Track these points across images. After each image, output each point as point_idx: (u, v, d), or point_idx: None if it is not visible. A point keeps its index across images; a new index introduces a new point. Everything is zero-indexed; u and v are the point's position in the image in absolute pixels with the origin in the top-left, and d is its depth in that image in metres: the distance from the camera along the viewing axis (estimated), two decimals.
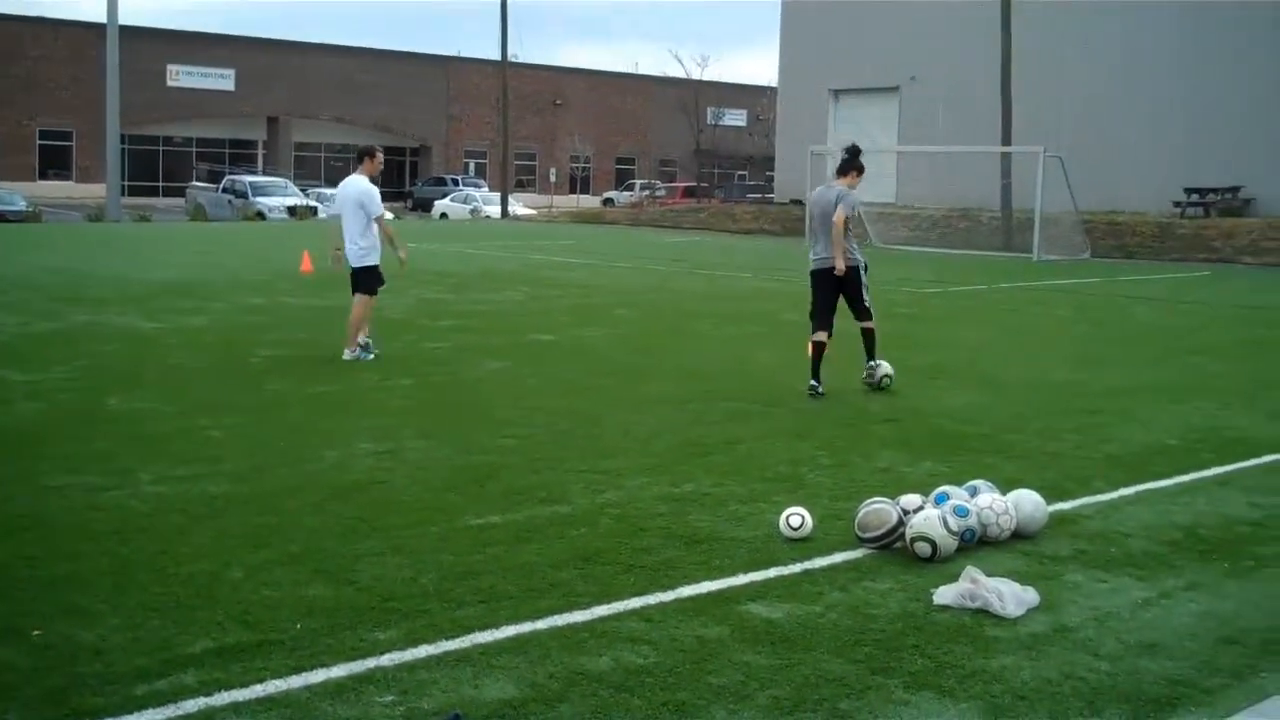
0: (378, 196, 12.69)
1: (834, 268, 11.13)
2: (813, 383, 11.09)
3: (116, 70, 45.67)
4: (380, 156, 13.01)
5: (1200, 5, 39.07)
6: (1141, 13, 40.42)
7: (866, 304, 11.40)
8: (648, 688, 4.80)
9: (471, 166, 77.53)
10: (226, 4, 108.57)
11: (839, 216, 11.00)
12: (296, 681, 4.78)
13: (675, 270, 25.88)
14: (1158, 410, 10.82)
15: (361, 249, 12.63)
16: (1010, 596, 5.69)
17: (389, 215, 12.43)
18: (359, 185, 12.63)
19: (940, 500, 6.85)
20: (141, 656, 4.97)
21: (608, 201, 70.15)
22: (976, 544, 6.64)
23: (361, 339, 12.68)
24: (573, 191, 76.51)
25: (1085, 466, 8.63)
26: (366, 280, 12.70)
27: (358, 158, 12.95)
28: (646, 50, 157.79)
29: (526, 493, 7.58)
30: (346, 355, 12.60)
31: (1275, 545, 6.88)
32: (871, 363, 11.50)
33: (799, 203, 43.23)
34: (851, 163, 11.35)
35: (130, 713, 4.49)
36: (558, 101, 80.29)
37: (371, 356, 12.62)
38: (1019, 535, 6.82)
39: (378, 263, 12.78)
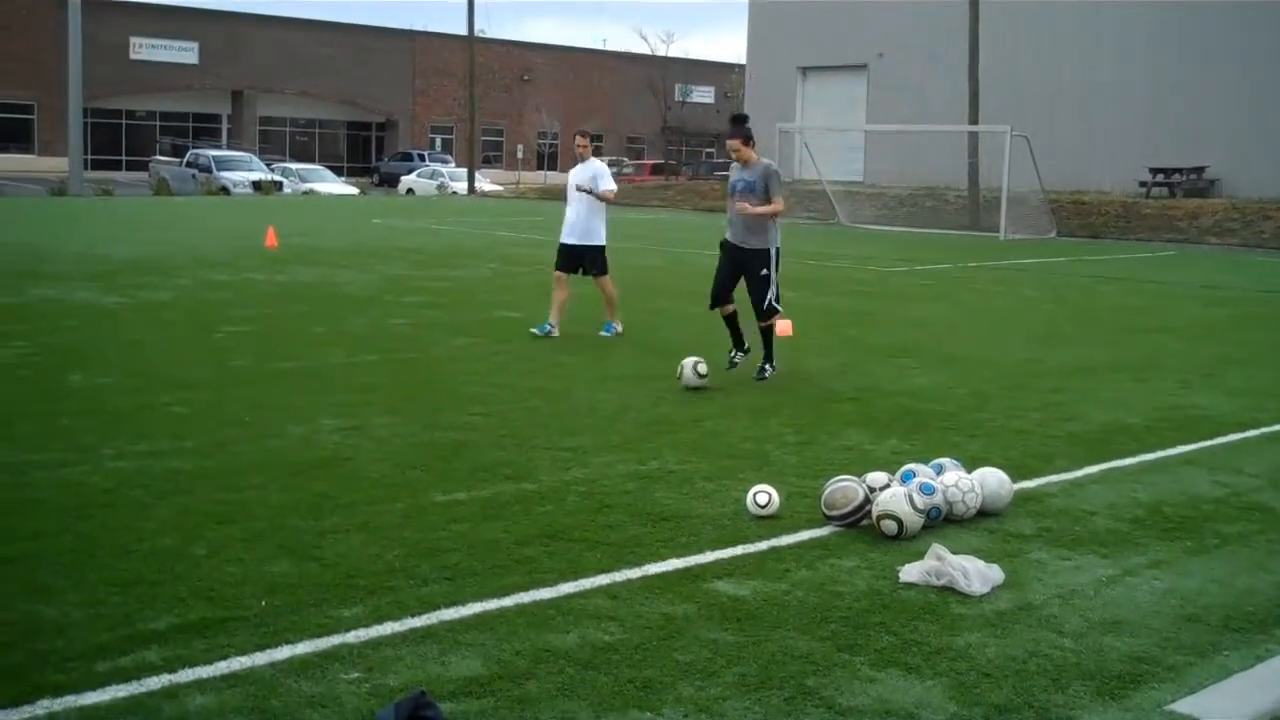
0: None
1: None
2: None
3: (79, 42, 45.17)
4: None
5: None
6: None
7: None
8: (614, 665, 4.79)
9: (438, 142, 77.11)
10: None
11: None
12: (261, 658, 4.74)
13: (640, 248, 25.81)
14: (1120, 389, 10.88)
15: None
16: (975, 574, 5.71)
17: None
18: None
19: (907, 478, 6.85)
20: (104, 633, 4.93)
21: None
22: (942, 522, 6.66)
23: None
24: (540, 168, 76.23)
25: (1049, 445, 8.67)
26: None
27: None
28: (613, 27, 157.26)
29: (492, 469, 7.56)
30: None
31: (1238, 523, 6.93)
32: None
33: None
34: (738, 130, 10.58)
35: (93, 689, 4.44)
36: (525, 77, 79.90)
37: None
38: (984, 513, 6.85)
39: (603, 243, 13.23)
